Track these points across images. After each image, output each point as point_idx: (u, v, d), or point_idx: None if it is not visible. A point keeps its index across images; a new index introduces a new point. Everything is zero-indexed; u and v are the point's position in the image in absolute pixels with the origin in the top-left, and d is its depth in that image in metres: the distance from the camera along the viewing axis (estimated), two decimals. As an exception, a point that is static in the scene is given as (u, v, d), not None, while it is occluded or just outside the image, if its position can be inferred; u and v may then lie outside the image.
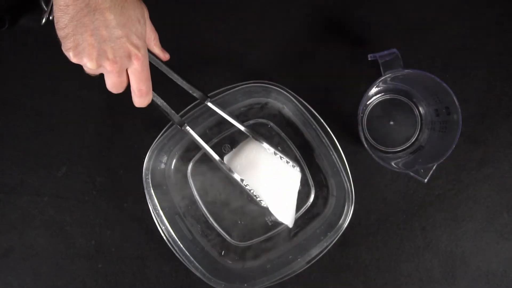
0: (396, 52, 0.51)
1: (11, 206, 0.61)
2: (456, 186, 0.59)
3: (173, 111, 0.51)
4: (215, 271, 0.55)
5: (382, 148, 0.60)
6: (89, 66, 0.42)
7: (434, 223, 0.59)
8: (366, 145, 0.52)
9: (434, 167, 0.51)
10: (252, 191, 0.52)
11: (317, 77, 0.61)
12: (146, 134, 0.61)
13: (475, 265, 0.59)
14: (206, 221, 0.59)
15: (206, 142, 0.59)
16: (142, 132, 0.61)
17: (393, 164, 0.54)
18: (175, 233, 0.54)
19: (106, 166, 0.61)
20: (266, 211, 0.59)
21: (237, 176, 0.52)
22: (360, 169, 0.58)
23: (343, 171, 0.53)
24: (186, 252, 0.54)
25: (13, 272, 0.61)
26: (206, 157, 0.60)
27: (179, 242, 0.54)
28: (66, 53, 0.42)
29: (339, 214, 0.55)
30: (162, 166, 0.58)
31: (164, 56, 0.50)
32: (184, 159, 0.60)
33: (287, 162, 0.54)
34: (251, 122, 0.60)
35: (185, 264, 0.54)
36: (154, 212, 0.55)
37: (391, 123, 0.60)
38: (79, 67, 0.64)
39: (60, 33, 0.41)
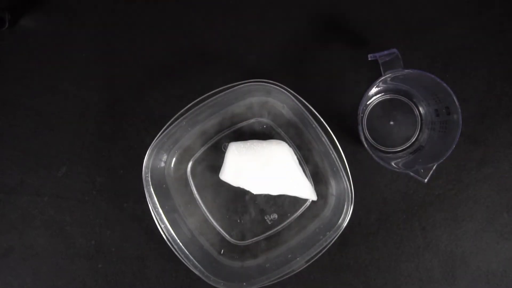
0: (396, 52, 0.51)
1: (11, 206, 0.61)
2: (456, 186, 0.59)
3: None
4: (214, 269, 0.55)
5: (382, 148, 0.60)
6: None
7: (434, 223, 0.59)
8: (366, 145, 0.52)
9: (434, 167, 0.51)
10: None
11: (317, 77, 0.61)
12: (146, 134, 0.61)
13: (475, 265, 0.59)
14: (206, 219, 0.59)
15: (206, 141, 0.60)
16: (142, 132, 0.61)
17: (393, 164, 0.54)
18: (174, 232, 0.54)
19: (106, 166, 0.61)
20: (267, 210, 0.59)
21: (257, 191, 0.57)
22: (360, 169, 0.59)
23: (342, 170, 0.54)
24: (185, 251, 0.54)
25: (13, 272, 0.61)
26: (206, 156, 0.60)
27: (178, 241, 0.54)
28: None
29: (338, 213, 0.54)
30: (162, 164, 0.58)
31: None
32: (184, 157, 0.60)
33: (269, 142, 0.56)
34: (251, 121, 0.60)
35: (184, 262, 0.53)
36: (154, 211, 0.55)
37: (391, 123, 0.60)
38: (79, 67, 0.65)
39: None
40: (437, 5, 0.60)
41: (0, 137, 0.62)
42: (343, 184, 0.54)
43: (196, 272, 0.53)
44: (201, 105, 0.54)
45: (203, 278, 0.53)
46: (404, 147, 0.60)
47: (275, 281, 0.54)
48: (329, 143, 0.54)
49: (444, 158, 0.51)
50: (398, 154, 0.60)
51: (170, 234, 0.54)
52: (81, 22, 0.63)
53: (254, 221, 0.59)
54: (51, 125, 0.62)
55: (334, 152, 0.54)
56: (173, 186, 0.59)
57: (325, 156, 0.57)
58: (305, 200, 0.59)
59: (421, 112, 0.59)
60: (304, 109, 0.54)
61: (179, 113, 0.55)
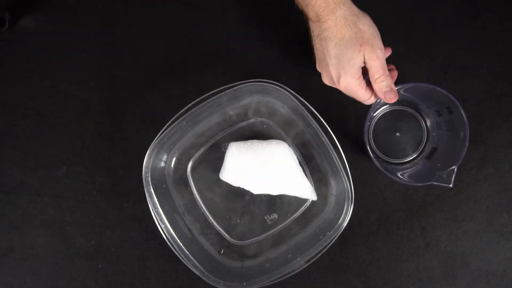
0: None
1: (11, 206, 0.61)
2: (456, 186, 0.59)
3: None
4: (214, 269, 0.55)
5: (394, 161, 0.60)
6: None
7: (434, 223, 0.59)
8: (377, 163, 0.52)
9: (456, 170, 0.50)
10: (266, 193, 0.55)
11: (317, 77, 0.61)
12: (146, 134, 0.61)
13: (475, 265, 0.58)
14: (206, 219, 0.59)
15: (206, 141, 0.60)
16: (142, 132, 0.61)
17: (405, 177, 0.54)
18: (174, 232, 0.54)
19: (106, 166, 0.61)
20: (267, 209, 0.59)
21: (257, 191, 0.57)
22: (360, 169, 0.59)
23: (342, 170, 0.54)
24: (186, 251, 0.54)
25: (13, 272, 0.61)
26: (205, 155, 0.60)
27: (178, 241, 0.54)
28: None
29: (338, 213, 0.55)
30: (162, 164, 0.58)
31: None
32: (184, 157, 0.60)
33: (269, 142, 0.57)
34: (251, 120, 0.60)
35: (184, 262, 0.53)
36: (154, 211, 0.55)
37: (397, 134, 0.60)
38: (79, 67, 0.65)
39: None
40: (437, 5, 0.60)
41: (0, 137, 0.62)
42: (343, 184, 0.54)
43: (196, 272, 0.53)
44: (201, 105, 0.54)
45: (203, 278, 0.53)
46: (418, 153, 0.59)
47: (275, 281, 0.54)
48: (329, 143, 0.54)
49: (462, 158, 0.50)
50: (414, 161, 0.59)
51: (170, 234, 0.54)
52: (81, 22, 0.63)
53: (254, 221, 0.59)
54: (51, 125, 0.62)
55: (334, 152, 0.54)
56: (173, 186, 0.59)
57: (325, 156, 0.57)
58: (305, 200, 0.59)
59: (423, 115, 0.59)
60: (304, 109, 0.54)
61: (179, 113, 0.55)
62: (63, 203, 0.61)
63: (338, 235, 0.54)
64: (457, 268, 0.59)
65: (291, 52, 0.61)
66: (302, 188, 0.57)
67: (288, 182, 0.57)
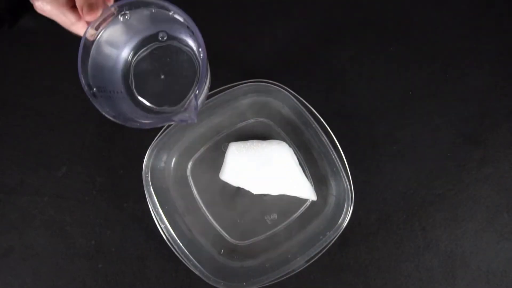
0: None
1: (11, 206, 0.61)
2: (456, 186, 0.59)
3: None
4: (214, 270, 0.55)
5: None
6: None
7: (434, 223, 0.59)
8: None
9: (193, 97, 0.38)
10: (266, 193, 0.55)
11: (317, 77, 0.61)
12: (146, 134, 0.60)
13: (475, 265, 0.58)
14: (206, 220, 0.59)
15: (206, 141, 0.60)
16: (142, 132, 0.61)
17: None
18: (174, 232, 0.54)
19: (106, 166, 0.61)
20: (267, 208, 0.59)
21: (257, 191, 0.57)
22: (360, 169, 0.59)
23: (342, 170, 0.54)
24: (185, 251, 0.54)
25: (13, 272, 0.61)
26: (205, 155, 0.60)
27: (178, 241, 0.54)
28: None
29: (338, 213, 0.55)
30: (162, 164, 0.58)
31: None
32: (184, 157, 0.60)
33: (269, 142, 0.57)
34: (251, 120, 0.60)
35: (184, 262, 0.54)
36: (154, 211, 0.55)
37: (162, 76, 0.44)
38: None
39: None
40: (437, 5, 0.60)
41: (0, 137, 0.62)
42: (343, 184, 0.54)
43: (196, 272, 0.53)
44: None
45: (203, 278, 0.53)
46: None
47: (275, 281, 0.54)
48: (329, 143, 0.54)
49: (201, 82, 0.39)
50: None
51: (170, 234, 0.54)
52: (81, 22, 0.63)
53: (254, 221, 0.59)
54: (51, 125, 0.62)
55: (334, 152, 0.54)
56: (173, 186, 0.59)
57: (325, 156, 0.57)
58: (305, 200, 0.59)
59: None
60: (304, 109, 0.54)
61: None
62: (63, 203, 0.61)
63: (338, 235, 0.54)
64: (457, 268, 0.59)
65: (291, 52, 0.61)
66: (302, 188, 0.57)
67: (288, 182, 0.57)
